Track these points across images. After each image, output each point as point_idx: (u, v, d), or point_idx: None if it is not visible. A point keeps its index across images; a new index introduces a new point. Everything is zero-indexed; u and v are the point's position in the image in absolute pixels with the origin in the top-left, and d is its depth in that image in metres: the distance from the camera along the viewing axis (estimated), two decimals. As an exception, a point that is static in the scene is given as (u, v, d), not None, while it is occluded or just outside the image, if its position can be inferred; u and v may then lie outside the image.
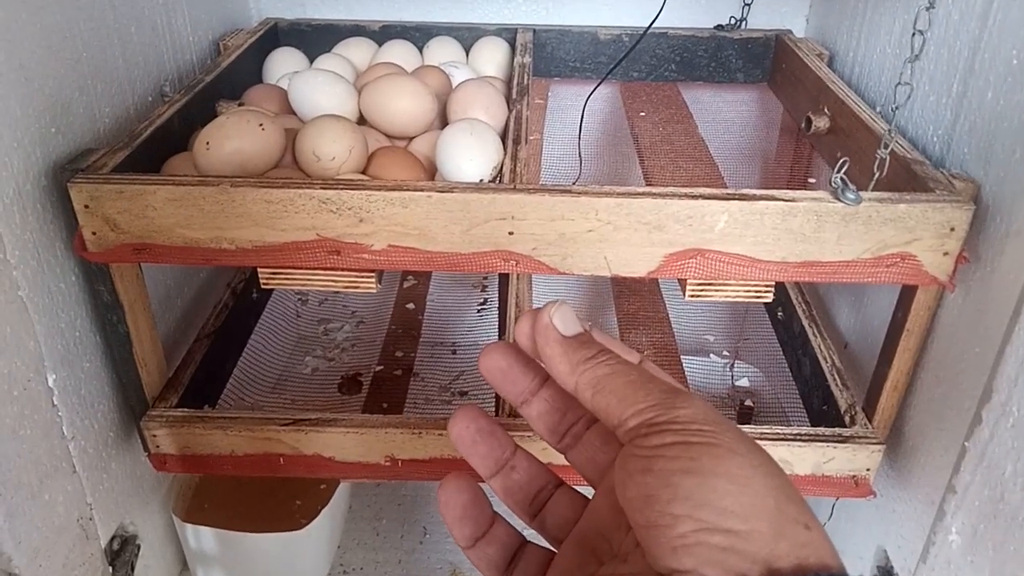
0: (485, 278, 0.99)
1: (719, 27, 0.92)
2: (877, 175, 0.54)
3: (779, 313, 0.83)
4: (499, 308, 0.67)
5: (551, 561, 0.28)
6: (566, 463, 0.29)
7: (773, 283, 0.56)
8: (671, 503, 0.21)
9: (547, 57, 0.93)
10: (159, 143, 0.63)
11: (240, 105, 0.72)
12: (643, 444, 0.23)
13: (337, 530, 0.86)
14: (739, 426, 0.24)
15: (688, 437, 0.22)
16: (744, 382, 0.86)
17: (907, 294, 0.58)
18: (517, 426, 0.60)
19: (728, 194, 0.52)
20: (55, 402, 0.55)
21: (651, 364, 0.28)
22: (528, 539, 0.29)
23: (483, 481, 0.30)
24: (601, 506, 0.27)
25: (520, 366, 0.29)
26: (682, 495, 0.21)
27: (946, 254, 0.52)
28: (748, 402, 0.82)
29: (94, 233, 0.54)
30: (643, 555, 0.22)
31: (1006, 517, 0.48)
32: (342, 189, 0.52)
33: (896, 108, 0.52)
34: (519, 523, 0.30)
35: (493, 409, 0.67)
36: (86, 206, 0.53)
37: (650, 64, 0.93)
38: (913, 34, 0.49)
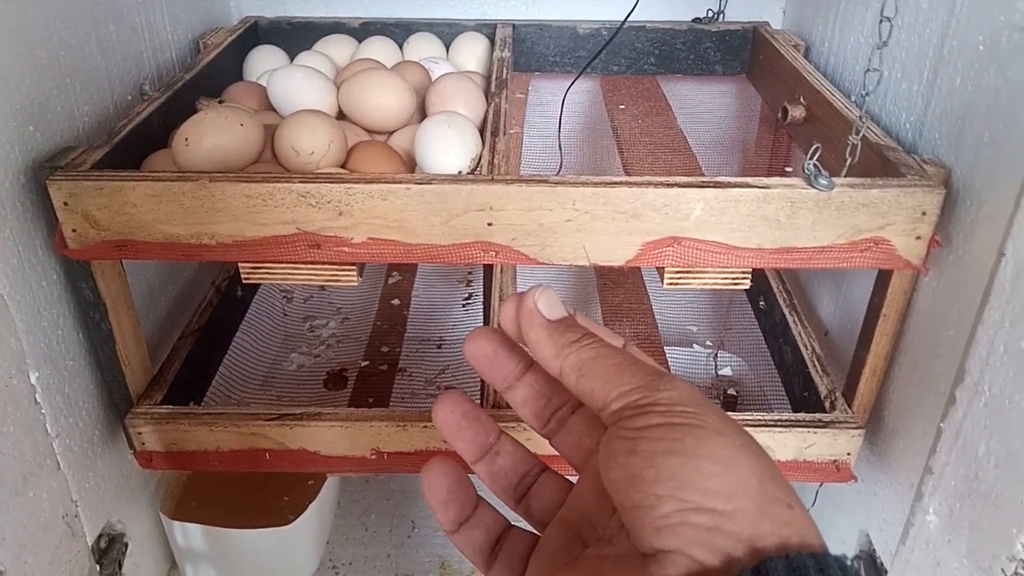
0: (470, 273, 1.00)
1: (697, 20, 0.93)
2: (849, 161, 0.55)
3: (761, 303, 0.84)
4: (484, 302, 0.67)
5: (536, 545, 0.28)
6: (553, 453, 0.30)
7: (750, 270, 0.56)
8: (655, 484, 0.21)
9: (527, 52, 0.94)
10: (139, 141, 0.63)
11: (220, 102, 0.72)
12: (627, 426, 0.23)
13: (326, 526, 0.86)
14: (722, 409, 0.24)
15: (672, 419, 0.23)
16: (727, 371, 0.86)
17: (883, 279, 0.59)
18: (502, 417, 0.61)
19: (703, 182, 0.53)
20: (38, 399, 0.56)
21: (635, 348, 0.28)
22: (513, 523, 0.29)
23: (470, 472, 0.30)
24: (585, 490, 0.27)
25: (505, 351, 0.29)
26: (666, 476, 0.21)
27: (918, 238, 0.53)
28: (732, 391, 0.83)
29: (74, 230, 0.54)
30: (627, 537, 0.23)
31: (981, 496, 0.49)
32: (321, 183, 0.52)
33: (867, 94, 0.53)
34: (504, 509, 0.30)
35: (478, 399, 0.68)
36: (65, 203, 0.53)
37: (629, 58, 0.94)
38: (880, 21, 0.49)
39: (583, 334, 0.26)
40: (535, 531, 0.29)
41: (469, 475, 0.29)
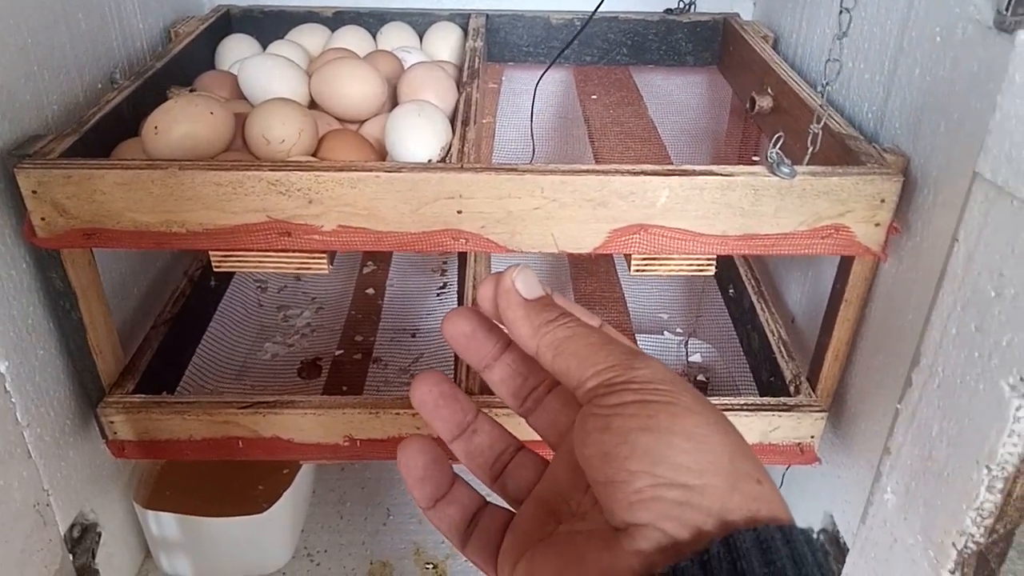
0: (445, 262, 1.00)
1: (669, 11, 0.94)
2: (811, 149, 0.56)
3: (730, 290, 0.86)
4: (458, 292, 0.68)
5: (511, 521, 0.28)
6: (532, 437, 0.30)
7: (715, 256, 0.57)
8: (628, 460, 0.22)
9: (500, 42, 0.94)
10: (108, 129, 0.63)
11: (191, 91, 0.72)
12: (602, 403, 0.23)
13: (301, 514, 0.87)
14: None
15: (646, 396, 0.23)
16: (697, 358, 0.88)
17: (845, 266, 0.60)
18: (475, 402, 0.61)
19: (669, 170, 0.54)
20: (7, 388, 0.56)
21: (610, 328, 0.28)
22: (488, 500, 0.30)
23: (447, 450, 0.30)
24: (560, 468, 0.28)
25: (483, 331, 0.29)
26: (639, 452, 0.22)
27: (878, 225, 0.55)
28: (701, 377, 0.85)
29: (43, 219, 0.54)
30: (600, 513, 0.23)
31: (934, 474, 0.50)
32: (291, 171, 0.53)
33: (827, 84, 0.54)
34: (481, 487, 0.30)
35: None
36: (34, 191, 0.53)
37: (602, 48, 0.94)
38: (840, 12, 0.50)
39: (560, 313, 0.26)
40: (511, 508, 0.29)
41: (445, 453, 0.30)
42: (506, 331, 0.28)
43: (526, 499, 0.29)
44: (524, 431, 0.31)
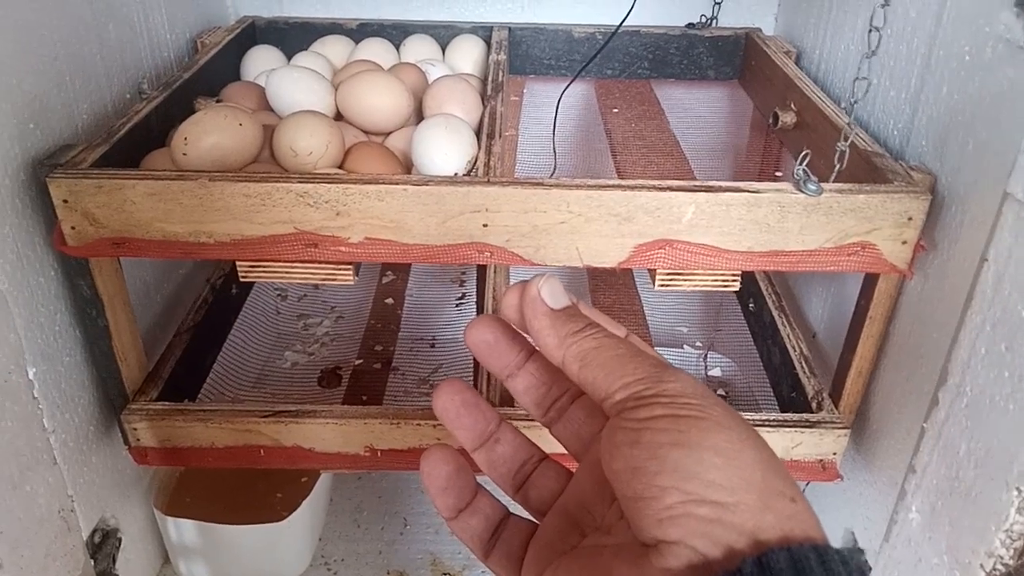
0: (463, 273, 1.01)
1: (690, 25, 0.94)
2: (838, 167, 0.56)
3: (750, 304, 0.85)
4: (477, 302, 0.68)
5: (534, 533, 0.28)
6: (557, 449, 0.30)
7: (740, 272, 0.57)
8: (658, 475, 0.21)
9: (523, 55, 0.94)
10: (137, 140, 0.63)
11: (218, 102, 0.72)
12: (631, 417, 0.23)
13: (319, 522, 0.87)
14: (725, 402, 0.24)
15: (677, 410, 0.22)
16: (717, 372, 0.87)
17: (869, 283, 0.60)
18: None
19: (695, 186, 0.54)
20: (35, 395, 0.56)
21: (637, 339, 0.27)
22: (511, 511, 0.29)
23: (470, 459, 0.30)
24: (585, 479, 0.28)
25: (506, 340, 0.29)
26: (670, 467, 0.21)
27: (904, 243, 0.54)
28: (721, 392, 0.84)
29: (73, 228, 0.54)
30: (626, 527, 0.23)
31: (961, 494, 0.50)
32: (319, 183, 0.53)
33: (855, 102, 0.54)
34: (504, 497, 0.30)
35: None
36: (65, 201, 0.53)
37: (623, 61, 0.95)
38: (870, 31, 0.51)
39: (586, 323, 0.26)
40: (534, 519, 0.29)
41: (468, 464, 0.29)
42: (531, 340, 0.28)
43: (549, 510, 0.28)
44: (547, 442, 0.31)
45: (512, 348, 0.29)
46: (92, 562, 0.65)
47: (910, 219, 0.54)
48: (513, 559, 0.28)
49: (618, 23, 0.77)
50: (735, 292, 0.90)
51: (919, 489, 0.55)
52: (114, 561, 0.70)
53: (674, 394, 0.23)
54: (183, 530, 0.77)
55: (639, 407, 0.23)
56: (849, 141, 0.56)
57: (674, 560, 0.21)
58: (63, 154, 0.57)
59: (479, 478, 0.30)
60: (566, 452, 0.30)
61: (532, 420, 0.30)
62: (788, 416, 0.65)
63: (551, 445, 0.30)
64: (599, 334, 0.26)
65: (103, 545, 0.68)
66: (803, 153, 0.54)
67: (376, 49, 0.85)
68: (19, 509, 0.53)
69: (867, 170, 0.59)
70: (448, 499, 0.28)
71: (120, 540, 0.71)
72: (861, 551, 0.69)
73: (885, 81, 0.65)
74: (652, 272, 0.58)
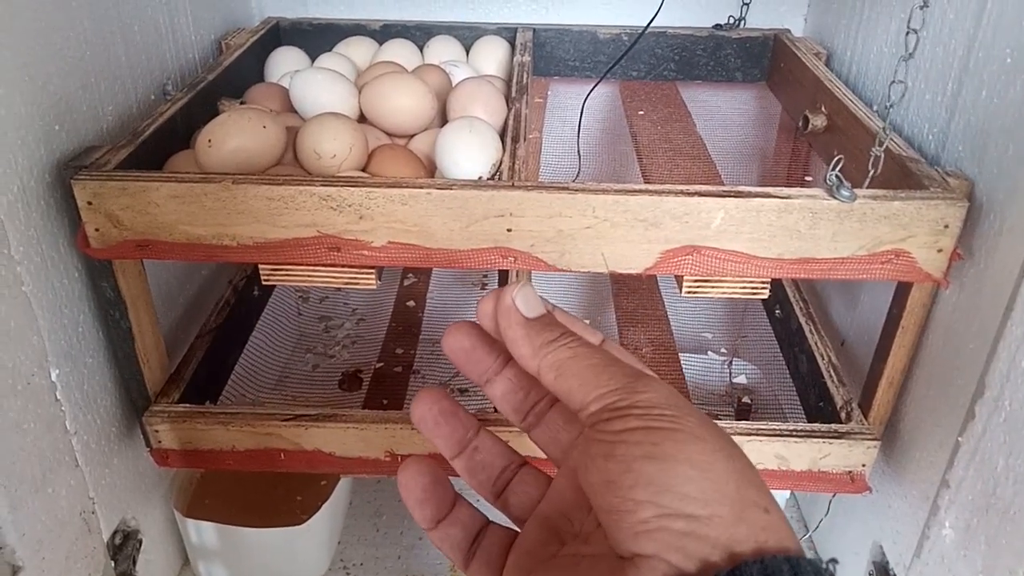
0: (485, 276, 1.00)
1: (718, 26, 0.92)
2: (872, 173, 0.55)
3: (777, 311, 0.84)
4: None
5: (514, 541, 0.28)
6: (540, 455, 0.30)
7: (769, 280, 0.56)
8: (633, 489, 0.22)
9: (547, 56, 0.94)
10: (162, 141, 0.63)
11: (242, 103, 0.72)
12: (605, 429, 0.23)
13: (338, 526, 0.87)
14: (700, 409, 0.24)
15: (650, 422, 0.23)
16: (742, 379, 0.86)
17: (902, 291, 0.59)
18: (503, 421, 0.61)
19: (724, 191, 0.53)
20: (58, 396, 0.56)
21: (613, 345, 0.28)
22: (491, 520, 0.29)
23: (450, 468, 0.30)
24: (564, 486, 0.28)
25: (484, 346, 0.29)
26: (644, 481, 0.21)
27: (940, 251, 0.53)
28: (746, 399, 0.83)
29: (97, 230, 0.54)
30: (604, 536, 0.23)
31: (998, 511, 0.48)
32: (342, 186, 0.53)
33: (891, 106, 0.52)
34: (484, 506, 0.30)
35: (492, 407, 0.68)
36: (89, 203, 0.53)
37: (649, 63, 0.94)
38: (907, 33, 0.49)
39: (561, 332, 0.26)
40: (513, 527, 0.29)
41: (448, 474, 0.30)
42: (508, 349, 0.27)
43: (529, 518, 0.28)
44: (529, 448, 0.30)
45: (490, 354, 0.29)
46: (112, 564, 0.66)
47: (946, 226, 0.52)
48: (493, 567, 0.28)
49: (645, 24, 0.76)
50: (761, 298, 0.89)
51: (953, 504, 0.54)
52: (134, 563, 0.70)
53: (648, 405, 0.23)
54: (203, 532, 0.77)
55: (613, 419, 0.23)
56: (884, 146, 0.55)
57: (649, 574, 0.21)
58: (88, 155, 0.57)
59: (459, 487, 0.30)
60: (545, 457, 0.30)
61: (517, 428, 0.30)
62: (816, 427, 0.63)
63: (532, 451, 0.30)
64: (574, 343, 0.26)
65: (123, 547, 0.69)
66: (836, 158, 0.52)
67: (400, 50, 0.84)
68: (41, 511, 0.53)
69: (901, 176, 0.58)
70: (426, 510, 0.29)
71: (140, 542, 0.71)
72: (835, 561, 0.68)
73: (920, 84, 0.63)
74: (679, 279, 0.56)
